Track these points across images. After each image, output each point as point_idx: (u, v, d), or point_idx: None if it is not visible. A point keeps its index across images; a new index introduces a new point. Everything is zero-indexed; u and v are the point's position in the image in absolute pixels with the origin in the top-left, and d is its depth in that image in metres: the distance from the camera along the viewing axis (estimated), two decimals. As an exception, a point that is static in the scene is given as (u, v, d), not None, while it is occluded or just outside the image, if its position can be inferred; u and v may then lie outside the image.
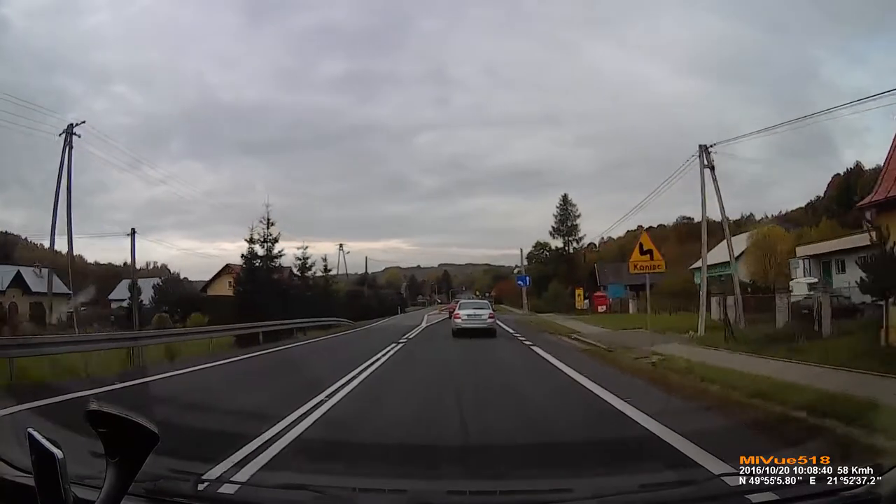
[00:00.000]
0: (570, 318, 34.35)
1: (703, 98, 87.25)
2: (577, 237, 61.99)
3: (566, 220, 61.76)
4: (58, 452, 1.38)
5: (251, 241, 32.53)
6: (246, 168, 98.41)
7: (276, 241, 33.12)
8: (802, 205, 56.99)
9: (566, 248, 62.13)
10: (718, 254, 44.05)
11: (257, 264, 32.37)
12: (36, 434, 1.41)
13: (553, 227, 62.23)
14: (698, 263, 46.14)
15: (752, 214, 67.97)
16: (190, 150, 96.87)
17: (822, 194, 52.47)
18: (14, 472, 1.99)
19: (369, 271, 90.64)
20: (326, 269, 45.00)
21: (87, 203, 78.08)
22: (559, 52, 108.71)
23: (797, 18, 79.54)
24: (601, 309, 40.69)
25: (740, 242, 39.02)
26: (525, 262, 59.16)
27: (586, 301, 46.13)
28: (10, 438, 2.24)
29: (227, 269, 41.55)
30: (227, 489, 3.10)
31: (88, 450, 1.91)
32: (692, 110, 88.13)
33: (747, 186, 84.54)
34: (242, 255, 32.38)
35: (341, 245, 65.31)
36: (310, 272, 38.64)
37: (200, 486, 2.37)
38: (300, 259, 38.18)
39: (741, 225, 65.45)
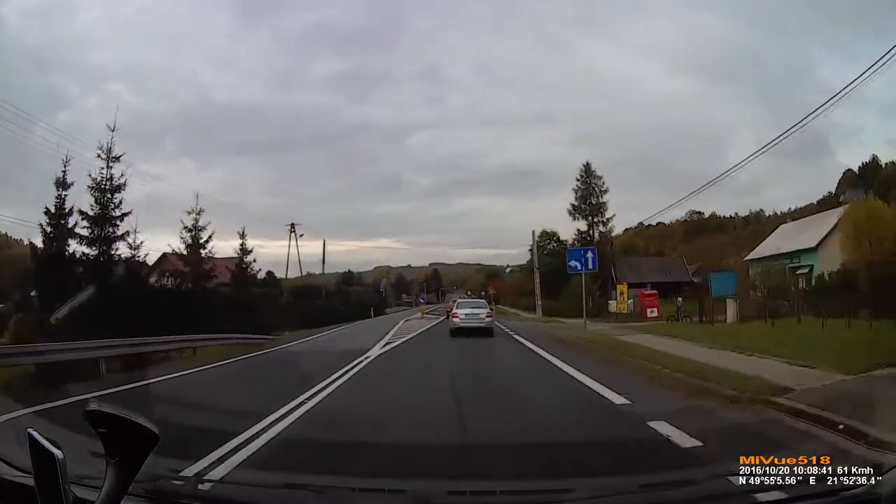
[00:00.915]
0: (627, 328, 22.18)
1: (697, 98, 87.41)
2: (603, 218, 47.83)
3: (589, 195, 47.80)
4: (58, 452, 1.38)
5: (62, 184, 18.25)
6: (239, 167, 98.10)
7: (118, 189, 19.24)
8: (801, 203, 56.64)
9: (590, 231, 47.68)
10: (784, 240, 35.06)
11: (81, 227, 18.46)
12: (36, 434, 1.41)
13: (573, 206, 47.94)
14: (754, 254, 37.62)
15: (761, 210, 67.98)
16: (183, 149, 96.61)
17: (832, 191, 51.80)
18: (14, 472, 1.99)
19: (356, 270, 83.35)
20: (244, 252, 28.76)
21: (84, 201, 77.57)
22: (555, 52, 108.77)
23: (796, 18, 79.60)
24: (651, 313, 30.63)
25: (820, 224, 32.47)
26: (536, 254, 46.24)
27: (630, 302, 34.62)
28: (10, 438, 2.25)
29: (164, 260, 27.03)
30: (227, 490, 3.09)
31: (88, 450, 1.92)
32: (686, 110, 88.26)
33: (742, 188, 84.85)
34: (45, 210, 18.14)
35: (293, 227, 46.74)
36: (205, 252, 24.99)
37: (200, 486, 2.38)
38: (190, 230, 24.62)
39: (750, 222, 65.34)
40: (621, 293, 35.19)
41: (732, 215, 71.19)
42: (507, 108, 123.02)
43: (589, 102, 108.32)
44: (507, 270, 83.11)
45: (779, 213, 60.15)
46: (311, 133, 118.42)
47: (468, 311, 21.53)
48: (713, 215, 71.19)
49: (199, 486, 2.36)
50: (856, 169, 50.28)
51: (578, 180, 48.46)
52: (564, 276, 37.31)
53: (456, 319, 21.07)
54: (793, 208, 56.07)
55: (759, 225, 55.95)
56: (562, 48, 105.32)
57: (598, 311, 34.85)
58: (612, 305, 36.26)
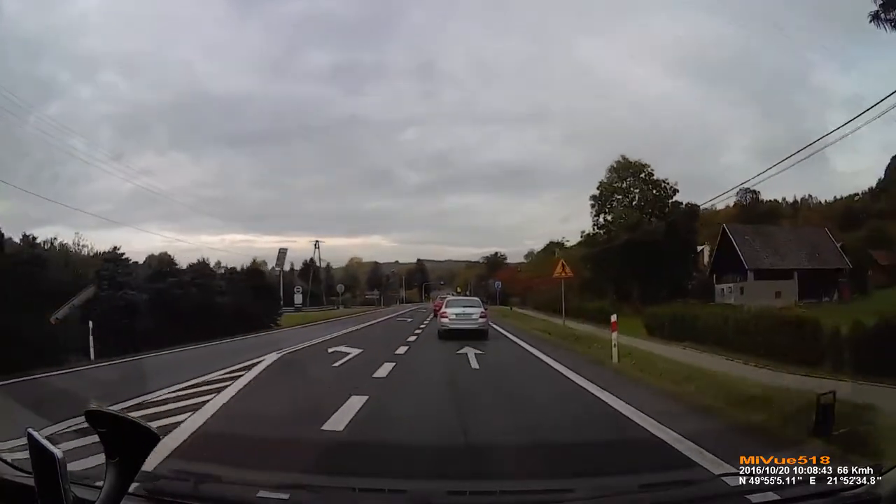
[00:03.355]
0: None
1: (693, 99, 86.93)
2: None
3: None
4: (58, 452, 1.38)
5: None
6: (228, 160, 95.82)
7: None
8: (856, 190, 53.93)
9: None
10: None
11: None
12: (36, 434, 1.41)
13: None
14: None
15: (810, 195, 65.05)
16: (174, 140, 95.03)
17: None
18: (14, 472, 1.98)
19: (338, 265, 67.73)
20: None
21: (70, 193, 76.37)
22: (552, 50, 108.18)
23: (794, 18, 79.46)
24: None
25: None
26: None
27: None
28: (10, 438, 2.25)
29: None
30: (226, 489, 3.09)
31: (89, 450, 1.92)
32: (682, 110, 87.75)
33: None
34: None
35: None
36: None
37: (201, 486, 2.38)
38: None
39: (798, 208, 63.22)
40: None
41: (780, 200, 67.81)
42: (502, 105, 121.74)
43: (585, 101, 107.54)
44: (506, 262, 78.28)
45: (823, 202, 58.35)
46: (302, 126, 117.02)
47: (459, 310, 19.67)
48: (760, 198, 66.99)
49: (200, 486, 2.36)
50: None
51: None
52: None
53: (445, 320, 19.22)
54: (839, 196, 53.91)
55: (811, 211, 53.93)
56: (558, 46, 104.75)
57: None
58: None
